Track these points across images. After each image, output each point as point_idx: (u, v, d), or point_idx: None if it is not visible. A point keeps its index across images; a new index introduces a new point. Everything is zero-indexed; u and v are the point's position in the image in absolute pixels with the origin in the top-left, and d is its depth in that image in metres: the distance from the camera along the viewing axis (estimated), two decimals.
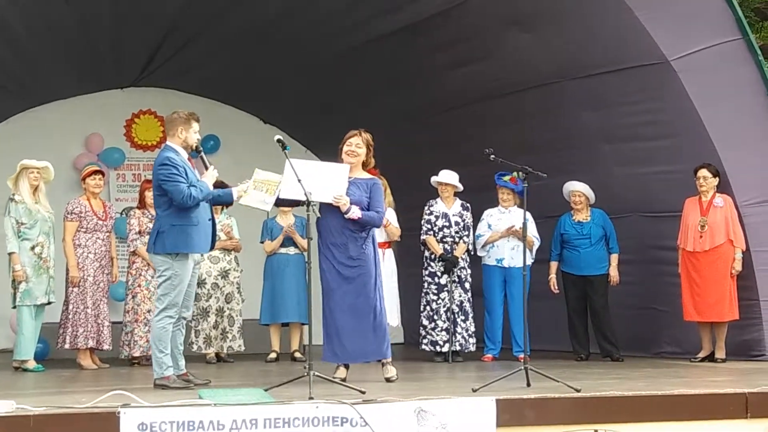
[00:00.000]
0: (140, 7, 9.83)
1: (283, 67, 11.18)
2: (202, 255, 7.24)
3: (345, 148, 7.15)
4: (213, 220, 6.96)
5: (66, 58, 10.91)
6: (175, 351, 6.83)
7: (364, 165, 7.20)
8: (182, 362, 6.90)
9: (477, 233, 9.41)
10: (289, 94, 11.86)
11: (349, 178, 7.02)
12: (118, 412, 5.10)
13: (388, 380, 7.01)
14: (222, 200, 7.14)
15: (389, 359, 7.15)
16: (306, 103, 11.88)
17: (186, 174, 6.71)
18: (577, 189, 9.39)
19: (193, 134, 6.88)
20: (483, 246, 9.41)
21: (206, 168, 6.93)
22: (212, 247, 7.09)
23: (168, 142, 6.91)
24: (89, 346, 8.88)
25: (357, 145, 7.13)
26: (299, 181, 6.48)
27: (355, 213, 6.89)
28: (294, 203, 7.02)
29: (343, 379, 6.73)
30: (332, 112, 11.64)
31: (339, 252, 6.94)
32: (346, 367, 7.05)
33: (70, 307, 8.88)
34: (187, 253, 6.73)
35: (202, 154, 6.95)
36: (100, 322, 8.93)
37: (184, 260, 6.73)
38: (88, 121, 12.13)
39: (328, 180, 6.84)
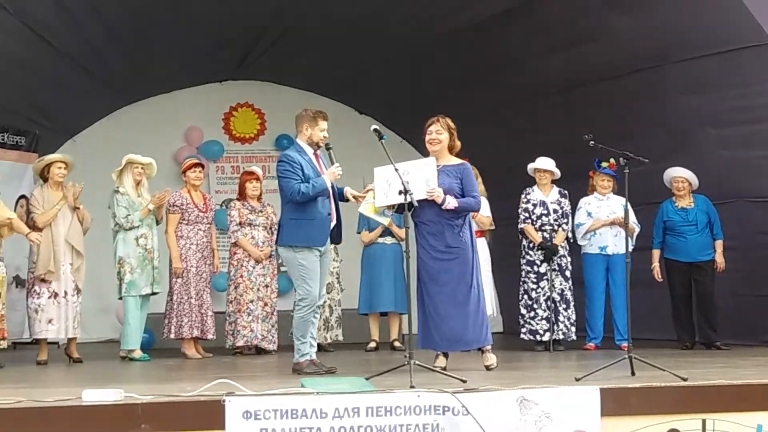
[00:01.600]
0: (237, 2, 9.95)
1: (378, 56, 11.19)
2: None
3: (426, 137, 7.12)
4: (337, 215, 7.06)
5: (166, 54, 11.12)
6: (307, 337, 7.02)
7: (451, 150, 7.13)
8: (312, 350, 7.04)
9: (576, 222, 9.28)
10: (384, 84, 11.87)
11: (438, 166, 6.97)
12: (223, 401, 5.16)
13: (487, 368, 6.98)
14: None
15: (489, 347, 7.11)
16: (401, 93, 11.88)
17: (302, 170, 6.88)
18: (681, 175, 9.19)
19: (319, 132, 7.02)
20: (584, 235, 9.28)
21: (332, 164, 7.04)
22: (337, 241, 7.22)
23: (296, 139, 7.12)
24: (193, 336, 9.05)
25: (437, 131, 7.07)
26: (405, 191, 6.43)
27: (451, 203, 6.85)
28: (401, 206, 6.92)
29: (444, 368, 6.71)
30: (427, 101, 11.59)
31: (436, 240, 6.91)
32: (446, 355, 7.02)
33: (175, 297, 9.05)
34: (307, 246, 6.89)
35: (331, 151, 7.03)
36: (204, 312, 9.09)
37: (306, 252, 6.90)
38: (188, 115, 12.35)
39: (418, 176, 6.80)
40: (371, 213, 7.20)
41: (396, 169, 6.57)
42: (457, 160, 7.12)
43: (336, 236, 7.14)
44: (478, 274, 7.02)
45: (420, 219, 6.95)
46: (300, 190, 6.86)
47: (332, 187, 7.02)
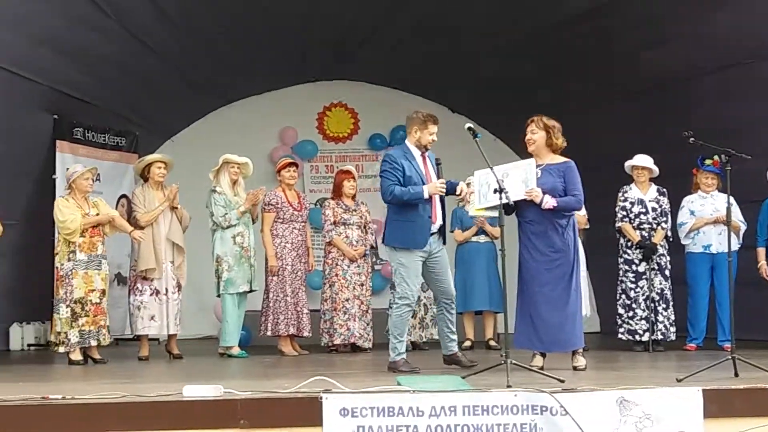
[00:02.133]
0: (329, 3, 10.01)
1: (471, 54, 11.14)
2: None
3: (526, 138, 7.07)
4: (443, 217, 7.12)
5: (260, 56, 11.27)
6: (445, 331, 7.22)
7: (552, 149, 7.04)
8: (451, 344, 7.22)
9: (679, 221, 9.10)
10: (477, 82, 11.82)
11: (540, 165, 6.92)
12: (321, 398, 5.19)
13: (575, 369, 6.89)
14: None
15: (581, 349, 7.04)
16: (494, 91, 11.81)
17: (403, 172, 6.98)
18: None
19: (428, 135, 7.12)
20: (687, 234, 9.09)
21: (438, 177, 7.09)
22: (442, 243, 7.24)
23: (405, 140, 7.25)
24: (290, 333, 9.13)
25: (532, 131, 7.01)
26: (500, 189, 6.42)
27: (550, 203, 6.77)
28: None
29: (541, 368, 6.65)
30: (520, 99, 11.51)
31: (539, 241, 6.85)
32: (543, 355, 6.96)
33: (271, 295, 9.15)
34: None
35: (440, 166, 7.13)
36: (300, 310, 9.17)
37: (407, 252, 6.99)
38: (282, 115, 12.49)
39: (517, 177, 6.78)
40: (478, 213, 7.17)
41: (492, 169, 6.54)
42: (560, 159, 7.02)
43: (443, 237, 7.21)
44: (578, 275, 6.95)
45: (524, 218, 6.91)
46: (393, 192, 6.95)
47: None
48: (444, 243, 7.26)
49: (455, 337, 7.31)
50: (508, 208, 6.82)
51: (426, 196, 6.97)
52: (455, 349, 7.29)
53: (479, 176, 6.84)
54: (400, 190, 6.95)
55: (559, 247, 6.84)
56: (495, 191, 6.45)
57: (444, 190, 7.03)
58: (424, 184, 7.04)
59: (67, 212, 8.32)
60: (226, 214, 8.96)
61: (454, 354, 7.25)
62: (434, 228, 7.09)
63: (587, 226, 9.43)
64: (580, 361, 6.98)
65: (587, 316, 9.54)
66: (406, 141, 7.23)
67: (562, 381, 5.78)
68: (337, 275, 9.32)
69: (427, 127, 7.13)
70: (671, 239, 9.08)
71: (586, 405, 5.25)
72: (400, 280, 7.04)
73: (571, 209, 6.95)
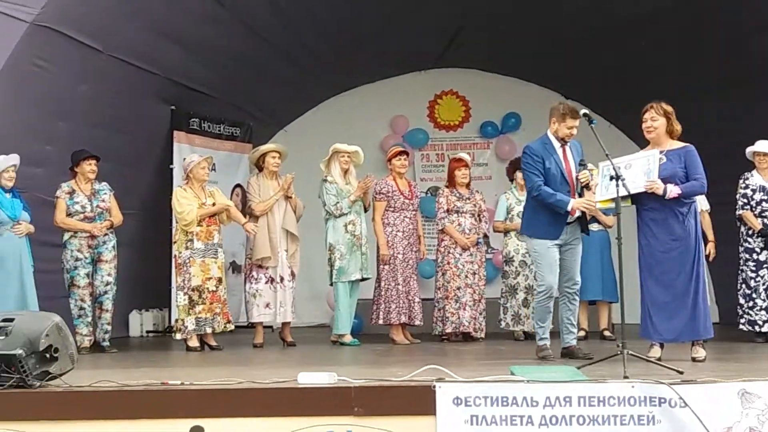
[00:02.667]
0: None
1: (583, 40, 10.96)
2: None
3: (643, 126, 6.93)
4: (583, 212, 7.12)
5: (371, 45, 11.29)
6: (565, 322, 7.26)
7: (671, 134, 6.89)
8: (568, 336, 7.23)
9: None
10: (590, 68, 11.62)
11: (662, 151, 6.78)
12: (434, 386, 5.19)
13: (694, 360, 6.71)
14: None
15: (701, 340, 6.86)
16: (607, 77, 11.59)
17: (543, 163, 7.05)
18: None
19: (566, 129, 7.11)
20: None
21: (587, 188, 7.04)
22: (585, 232, 7.29)
23: (547, 131, 7.25)
24: (401, 322, 9.14)
25: (652, 119, 6.86)
26: (618, 178, 6.41)
27: (673, 192, 6.64)
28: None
29: (658, 359, 6.51)
30: (634, 84, 11.28)
31: (659, 228, 6.72)
32: (661, 346, 6.81)
33: (382, 284, 9.18)
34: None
35: (584, 166, 7.08)
36: (411, 298, 9.18)
37: (541, 242, 7.10)
38: (393, 104, 12.50)
39: (639, 169, 6.69)
40: (603, 206, 7.05)
41: (609, 158, 6.49)
42: (679, 144, 6.88)
43: (583, 227, 7.25)
44: (700, 264, 6.78)
45: (643, 205, 6.80)
46: (540, 188, 7.04)
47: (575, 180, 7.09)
48: (583, 232, 7.26)
49: (575, 330, 7.30)
50: (632, 198, 6.73)
51: (569, 208, 6.99)
52: (573, 342, 7.23)
53: (603, 168, 6.75)
54: (546, 193, 7.00)
55: (680, 235, 6.69)
56: (611, 178, 6.35)
57: (592, 207, 7.03)
58: (563, 177, 7.05)
59: (185, 203, 8.51)
60: (338, 202, 9.03)
61: (571, 347, 7.19)
62: (571, 218, 7.09)
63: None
64: (700, 352, 6.80)
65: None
66: (548, 132, 7.20)
67: (681, 372, 5.65)
68: (449, 263, 9.30)
69: (565, 120, 7.10)
70: None
71: (706, 397, 5.12)
72: (536, 269, 7.27)
73: (695, 194, 6.81)
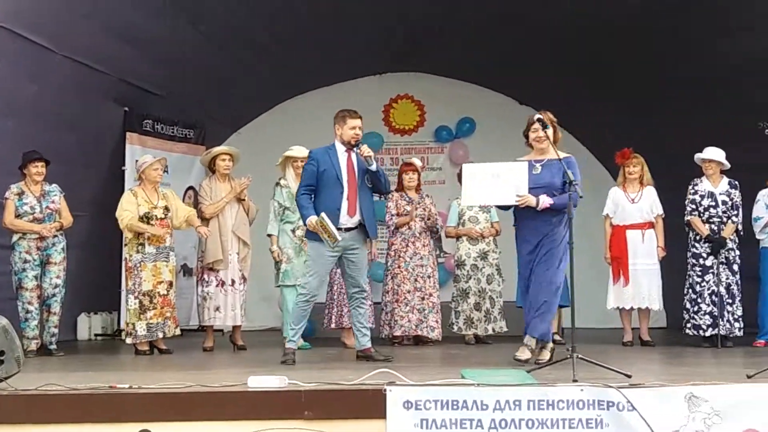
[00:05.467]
0: None
1: (537, 46, 11.04)
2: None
3: (531, 135, 6.94)
4: (361, 213, 7.25)
5: (327, 48, 11.27)
6: (357, 326, 7.43)
7: (555, 143, 6.92)
8: (363, 339, 7.40)
9: (755, 215, 8.92)
10: (543, 74, 11.69)
11: (541, 161, 6.85)
12: (385, 390, 5.19)
13: (515, 358, 6.83)
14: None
15: (549, 344, 7.00)
16: (560, 83, 11.68)
17: (317, 169, 7.28)
18: None
19: (349, 130, 7.32)
20: (762, 228, 8.90)
21: (363, 171, 7.35)
22: (372, 235, 7.43)
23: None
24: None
25: (541, 128, 6.87)
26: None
27: (545, 203, 6.72)
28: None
29: (526, 360, 6.70)
30: (587, 91, 11.39)
31: (530, 233, 6.84)
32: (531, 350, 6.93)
33: (335, 287, 9.17)
34: None
35: (365, 157, 7.28)
36: None
37: (317, 245, 7.23)
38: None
39: (508, 180, 6.68)
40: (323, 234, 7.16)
41: (484, 166, 6.76)
42: (562, 154, 6.86)
43: (371, 231, 7.31)
44: (561, 272, 6.88)
45: (518, 210, 6.92)
46: (298, 196, 7.30)
47: (362, 178, 7.23)
48: (368, 238, 7.38)
49: (368, 332, 7.49)
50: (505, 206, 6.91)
51: (306, 223, 7.19)
52: (368, 344, 7.40)
53: (468, 170, 6.80)
54: (300, 203, 7.27)
55: (549, 242, 6.76)
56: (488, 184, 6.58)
57: (319, 228, 7.04)
58: (338, 179, 7.20)
59: (124, 207, 8.42)
60: (286, 209, 8.94)
61: (367, 349, 7.35)
62: (352, 223, 7.20)
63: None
64: (545, 354, 6.89)
65: (659, 311, 9.42)
66: (335, 139, 7.35)
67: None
68: (399, 267, 9.31)
69: (346, 122, 7.26)
70: (742, 233, 8.90)
71: (654, 401, 5.17)
72: (307, 273, 7.29)
73: (565, 206, 6.72)
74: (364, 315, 7.47)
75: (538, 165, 6.85)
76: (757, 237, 8.97)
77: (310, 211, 7.15)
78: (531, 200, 6.69)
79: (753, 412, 5.18)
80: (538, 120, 6.80)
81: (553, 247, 6.78)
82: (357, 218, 7.23)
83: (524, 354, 6.84)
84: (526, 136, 7.02)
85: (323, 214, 7.06)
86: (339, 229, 7.12)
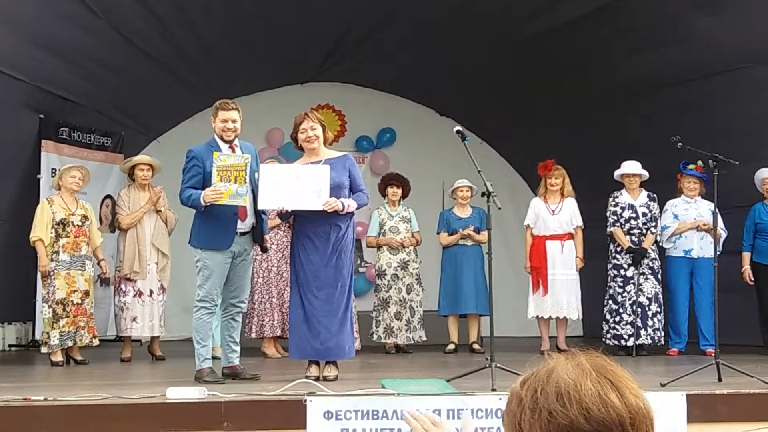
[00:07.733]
0: (320, 7, 10.00)
1: (459, 59, 11.14)
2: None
3: (301, 136, 6.66)
4: (255, 216, 6.70)
5: (248, 57, 11.23)
6: (227, 340, 6.80)
7: (326, 143, 6.72)
8: (232, 356, 6.77)
9: (662, 224, 9.13)
10: (465, 86, 11.82)
11: (320, 161, 6.60)
12: (305, 400, 5.19)
13: (325, 378, 6.38)
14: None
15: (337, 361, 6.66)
16: (481, 95, 11.81)
17: (202, 166, 6.65)
18: None
19: (219, 123, 6.82)
20: (669, 237, 9.12)
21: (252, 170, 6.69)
22: (259, 241, 6.82)
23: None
24: (275, 335, 9.10)
25: (311, 128, 6.61)
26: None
27: (351, 206, 6.51)
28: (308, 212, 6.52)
29: (317, 378, 6.36)
30: (507, 103, 11.53)
31: (320, 241, 6.50)
32: (317, 364, 6.61)
33: (256, 297, 9.13)
34: None
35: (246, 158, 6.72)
36: (285, 311, 9.13)
37: (211, 253, 6.59)
38: (269, 117, 12.43)
39: (308, 183, 6.39)
40: (224, 200, 6.49)
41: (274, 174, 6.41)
42: (337, 153, 6.78)
43: (256, 239, 6.77)
44: (352, 279, 6.68)
45: (302, 216, 6.57)
46: (180, 194, 6.62)
47: (251, 176, 6.56)
48: (257, 245, 6.81)
49: (237, 348, 6.82)
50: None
51: (203, 203, 6.45)
52: (236, 361, 6.77)
53: (266, 171, 6.57)
54: (184, 196, 6.55)
55: (340, 247, 6.52)
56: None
57: (217, 197, 6.40)
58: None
59: (37, 218, 8.28)
60: None
61: (234, 366, 6.75)
62: (245, 227, 6.66)
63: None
64: (333, 371, 6.54)
65: (576, 320, 9.57)
66: (214, 134, 6.85)
67: None
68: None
69: (218, 114, 6.77)
70: (660, 244, 9.10)
71: None
72: (202, 282, 6.55)
73: (362, 206, 6.72)
74: (237, 329, 6.83)
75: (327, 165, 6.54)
76: (664, 246, 9.17)
77: (198, 192, 6.47)
78: (339, 205, 6.40)
79: (666, 420, 5.29)
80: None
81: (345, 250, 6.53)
82: (250, 221, 6.67)
83: None
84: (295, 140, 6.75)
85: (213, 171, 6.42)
86: (242, 234, 6.63)
